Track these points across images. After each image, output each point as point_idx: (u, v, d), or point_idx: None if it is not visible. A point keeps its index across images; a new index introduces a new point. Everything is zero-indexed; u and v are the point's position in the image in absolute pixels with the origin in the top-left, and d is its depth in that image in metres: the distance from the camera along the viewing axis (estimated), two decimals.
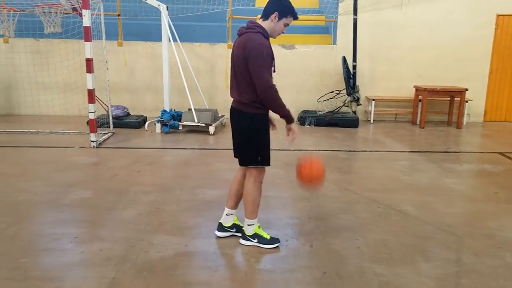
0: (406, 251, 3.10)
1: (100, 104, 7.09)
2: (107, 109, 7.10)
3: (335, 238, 3.29)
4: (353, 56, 7.71)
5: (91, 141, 5.86)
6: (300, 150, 6.04)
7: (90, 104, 5.78)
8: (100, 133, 6.28)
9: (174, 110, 7.33)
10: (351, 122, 7.68)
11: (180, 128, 7.01)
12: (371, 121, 8.27)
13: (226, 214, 3.23)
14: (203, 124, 6.93)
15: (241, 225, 3.26)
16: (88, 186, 4.38)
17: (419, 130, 7.70)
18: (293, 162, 5.67)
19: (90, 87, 5.70)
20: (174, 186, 4.41)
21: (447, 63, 8.34)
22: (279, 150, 6.00)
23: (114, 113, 7.19)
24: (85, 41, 5.54)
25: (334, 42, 8.37)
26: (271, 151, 3.04)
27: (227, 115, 3.28)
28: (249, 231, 3.09)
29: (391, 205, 3.99)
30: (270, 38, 2.93)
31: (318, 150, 6.04)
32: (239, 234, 3.23)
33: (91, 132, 5.86)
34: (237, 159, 3.10)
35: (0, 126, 7.18)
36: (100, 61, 6.73)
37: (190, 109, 7.14)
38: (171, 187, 4.37)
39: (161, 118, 7.01)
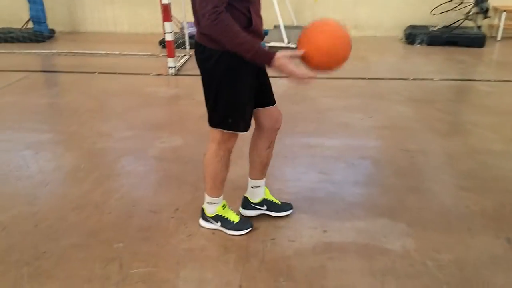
0: None
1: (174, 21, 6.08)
2: (181, 27, 6.09)
3: None
4: None
5: (169, 68, 4.98)
6: (422, 79, 4.80)
7: (166, 22, 4.78)
8: (178, 56, 5.36)
9: None
10: (476, 40, 6.12)
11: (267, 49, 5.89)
12: (498, 38, 6.61)
13: (252, 187, 2.32)
14: (294, 45, 5.75)
15: (275, 201, 2.36)
16: (176, 129, 3.58)
17: None
18: (418, 97, 4.51)
19: (165, 1, 4.65)
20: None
21: None
22: (393, 79, 4.81)
23: (188, 31, 6.18)
24: None
25: None
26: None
27: None
28: (209, 210, 2.25)
29: None
30: None
31: (446, 80, 4.76)
32: (273, 214, 2.35)
33: (168, 57, 4.95)
34: None
35: (67, 45, 6.50)
36: None
37: (277, 26, 5.96)
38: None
39: None
